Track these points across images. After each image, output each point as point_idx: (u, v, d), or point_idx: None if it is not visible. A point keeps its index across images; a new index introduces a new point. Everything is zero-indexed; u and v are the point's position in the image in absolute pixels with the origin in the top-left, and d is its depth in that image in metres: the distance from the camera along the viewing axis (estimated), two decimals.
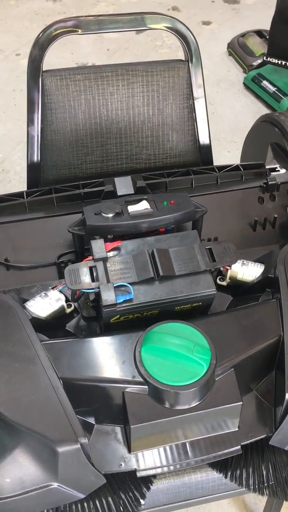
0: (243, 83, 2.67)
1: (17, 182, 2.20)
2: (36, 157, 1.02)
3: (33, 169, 1.03)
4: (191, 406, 0.67)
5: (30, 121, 1.00)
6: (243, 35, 2.87)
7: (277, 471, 0.77)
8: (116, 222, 0.80)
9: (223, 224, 0.93)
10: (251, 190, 0.96)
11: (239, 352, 0.71)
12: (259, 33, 2.83)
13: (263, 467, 0.77)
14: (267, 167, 1.00)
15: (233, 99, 2.52)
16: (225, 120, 2.32)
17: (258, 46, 2.77)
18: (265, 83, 2.46)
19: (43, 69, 1.00)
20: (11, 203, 0.92)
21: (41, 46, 0.97)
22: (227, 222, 0.94)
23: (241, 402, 0.68)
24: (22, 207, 0.92)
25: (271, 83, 2.44)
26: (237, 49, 2.83)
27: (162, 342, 0.70)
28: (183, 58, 1.07)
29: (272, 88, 2.42)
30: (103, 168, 1.05)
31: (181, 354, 0.68)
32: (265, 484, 0.77)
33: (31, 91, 0.99)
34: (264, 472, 0.76)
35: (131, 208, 0.81)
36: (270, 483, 0.77)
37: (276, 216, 0.93)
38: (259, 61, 2.64)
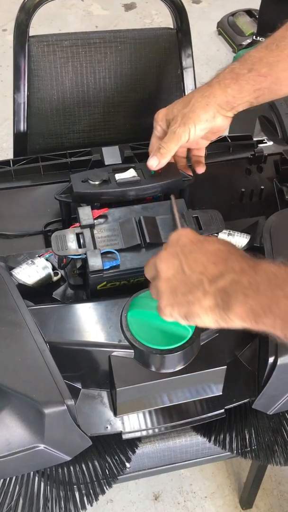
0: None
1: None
2: (22, 126, 1.00)
3: (19, 138, 1.01)
4: (176, 369, 0.68)
5: (16, 88, 0.98)
6: (233, 14, 2.85)
7: (260, 435, 0.78)
8: (103, 190, 0.79)
9: (210, 195, 0.93)
10: (238, 162, 0.96)
11: None
12: (249, 12, 2.81)
13: (246, 431, 0.78)
14: (254, 139, 1.00)
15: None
16: None
17: (248, 26, 2.76)
18: None
19: (30, 35, 0.98)
20: None
21: (27, 10, 0.95)
22: (214, 193, 0.94)
23: (225, 366, 0.69)
24: (8, 175, 0.91)
25: None
26: (227, 28, 2.81)
27: (148, 307, 0.70)
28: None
29: None
30: (91, 137, 1.03)
31: None
32: (248, 448, 0.78)
33: (17, 57, 0.97)
34: (247, 436, 0.78)
35: (118, 176, 0.81)
36: (253, 446, 0.78)
37: (262, 187, 0.93)
38: (249, 40, 2.63)
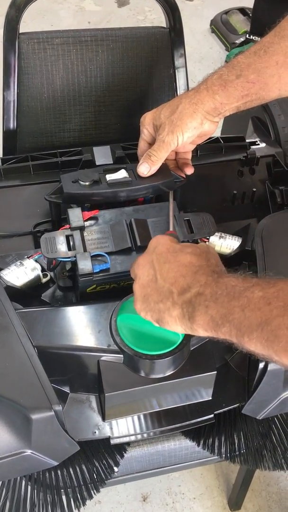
0: (226, 61, 2.65)
1: None
2: (12, 124, 0.99)
3: (9, 136, 1.00)
4: (165, 374, 0.67)
5: (6, 86, 0.96)
6: (226, 12, 2.84)
7: (249, 439, 0.78)
8: (94, 190, 0.78)
9: (202, 196, 0.93)
10: (230, 163, 0.96)
11: None
12: (243, 10, 2.80)
13: (235, 436, 0.78)
14: (247, 140, 0.99)
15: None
16: None
17: (241, 24, 2.75)
18: None
19: (20, 31, 0.96)
20: None
21: (17, 6, 0.93)
22: (206, 195, 0.93)
23: (215, 372, 0.68)
24: None
25: None
26: (220, 26, 2.80)
27: None
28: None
29: None
30: (82, 137, 1.02)
31: None
32: (237, 452, 0.78)
33: (7, 54, 0.96)
34: (236, 441, 0.78)
35: (109, 177, 0.80)
36: (242, 451, 0.78)
37: (254, 190, 0.93)
38: (242, 39, 2.62)
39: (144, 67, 1.02)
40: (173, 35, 1.01)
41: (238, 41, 2.64)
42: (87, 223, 0.75)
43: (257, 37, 2.45)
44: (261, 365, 0.69)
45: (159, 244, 0.62)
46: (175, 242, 0.63)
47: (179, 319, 0.57)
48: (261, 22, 2.42)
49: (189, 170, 0.83)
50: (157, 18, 2.94)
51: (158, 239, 0.63)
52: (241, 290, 0.53)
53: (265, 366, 0.69)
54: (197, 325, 0.55)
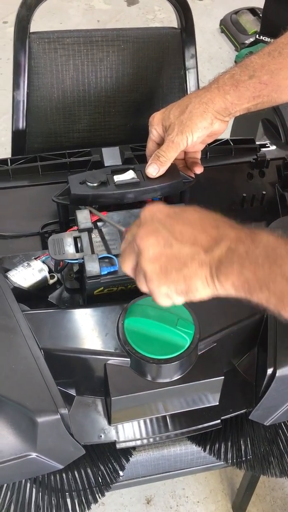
0: (235, 61, 2.64)
1: (2, 154, 2.16)
2: (21, 124, 0.98)
3: (18, 136, 0.99)
4: (172, 379, 0.66)
5: (16, 85, 0.96)
6: (236, 12, 2.83)
7: (255, 445, 0.78)
8: (101, 192, 0.78)
9: (211, 199, 0.92)
10: (240, 166, 0.95)
11: (223, 327, 0.71)
12: (253, 10, 2.79)
13: (241, 441, 0.77)
14: (257, 143, 0.98)
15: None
16: None
17: (251, 24, 2.74)
18: None
19: (31, 31, 0.96)
20: None
21: (28, 6, 0.93)
22: (215, 197, 0.93)
23: (223, 377, 0.68)
24: (5, 174, 0.89)
25: None
26: (230, 26, 2.79)
27: (146, 315, 0.69)
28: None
29: None
30: (91, 137, 1.01)
31: (164, 327, 0.68)
32: (243, 458, 0.78)
33: (17, 53, 0.95)
34: (243, 446, 0.77)
35: (117, 178, 0.79)
36: (248, 457, 0.77)
37: (264, 192, 0.92)
38: (252, 39, 2.61)
39: (155, 68, 1.01)
40: (184, 35, 1.00)
41: (247, 41, 2.62)
42: (94, 225, 0.75)
43: (267, 38, 2.44)
44: (270, 370, 0.68)
45: (156, 212, 0.55)
46: (167, 206, 0.56)
47: (209, 281, 0.51)
48: (271, 23, 2.41)
49: (199, 169, 0.82)
50: (167, 17, 2.93)
51: (150, 208, 0.56)
52: (283, 254, 0.47)
53: (274, 372, 0.68)
54: (229, 285, 0.49)
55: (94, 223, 0.75)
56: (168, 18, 2.90)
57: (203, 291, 0.52)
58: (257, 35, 2.50)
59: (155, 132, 0.78)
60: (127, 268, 0.58)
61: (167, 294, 0.54)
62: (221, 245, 0.50)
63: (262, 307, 0.49)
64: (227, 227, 0.52)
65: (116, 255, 0.72)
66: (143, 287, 0.57)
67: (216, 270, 0.50)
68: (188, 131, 0.72)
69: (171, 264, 0.52)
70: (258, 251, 0.48)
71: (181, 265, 0.51)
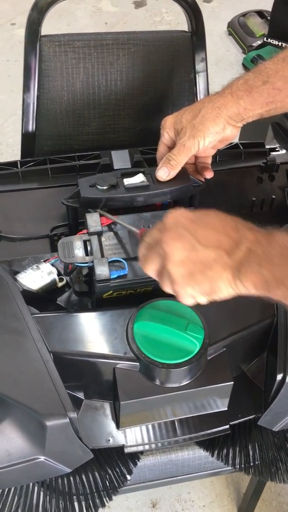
0: (242, 64, 2.63)
1: (9, 155, 2.16)
2: (31, 126, 0.98)
3: (27, 139, 1.00)
4: (181, 384, 0.66)
5: (26, 88, 0.96)
6: (244, 14, 2.82)
7: (263, 451, 0.77)
8: (111, 195, 0.78)
9: (220, 203, 0.91)
10: (250, 170, 0.95)
11: (233, 332, 0.70)
12: (260, 13, 2.78)
13: (250, 447, 0.77)
14: (267, 147, 0.98)
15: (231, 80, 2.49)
16: None
17: (258, 27, 2.73)
18: None
19: (41, 34, 0.96)
20: (4, 172, 0.89)
21: (40, 9, 0.93)
22: (224, 201, 0.92)
23: (232, 382, 0.68)
24: (15, 177, 0.90)
25: None
26: (237, 29, 2.79)
27: (155, 319, 0.69)
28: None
29: None
30: (100, 140, 1.02)
31: (174, 332, 0.67)
32: (251, 464, 0.77)
33: (28, 56, 0.95)
34: (251, 452, 0.77)
35: (127, 181, 0.79)
36: (256, 462, 0.77)
37: (274, 197, 0.92)
38: (259, 42, 2.60)
39: (165, 72, 1.01)
40: (194, 39, 1.00)
41: (255, 44, 2.62)
42: (105, 228, 0.75)
43: (274, 40, 2.43)
44: (279, 376, 0.68)
45: (179, 217, 0.58)
46: (189, 211, 0.59)
47: (232, 282, 0.54)
48: (279, 25, 2.40)
49: (209, 174, 0.82)
50: (174, 19, 2.93)
51: (173, 214, 0.59)
52: None
53: (283, 378, 0.67)
54: (249, 284, 0.53)
55: (108, 226, 0.75)
56: (176, 20, 2.90)
57: (226, 291, 0.55)
58: (265, 38, 2.49)
59: (166, 135, 0.78)
60: (151, 270, 0.60)
61: (192, 295, 0.57)
62: (241, 247, 0.53)
63: (281, 303, 0.52)
64: (246, 230, 0.55)
65: (126, 259, 0.72)
66: (167, 288, 0.59)
67: (238, 271, 0.53)
68: (200, 135, 0.73)
69: (196, 267, 0.55)
70: (274, 251, 0.51)
71: (205, 268, 0.54)
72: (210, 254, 0.54)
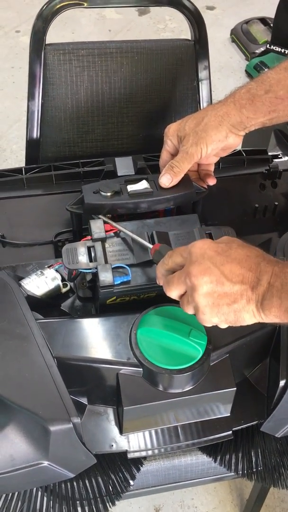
0: (245, 70, 2.65)
1: (13, 162, 2.18)
2: (35, 133, 1.00)
3: (32, 146, 1.01)
4: (184, 390, 0.67)
5: (30, 96, 0.98)
6: (247, 22, 2.84)
7: (266, 457, 0.77)
8: (115, 201, 0.78)
9: (223, 210, 0.92)
10: (252, 176, 0.95)
11: (235, 338, 0.71)
12: (263, 20, 2.80)
13: (252, 453, 0.77)
14: (269, 153, 0.99)
15: (234, 87, 2.50)
16: None
17: (261, 34, 2.75)
18: None
19: (46, 42, 0.97)
20: (9, 178, 0.90)
21: (44, 18, 0.95)
22: (227, 208, 0.93)
23: (235, 388, 0.68)
24: (20, 183, 0.91)
25: None
26: (241, 36, 2.81)
27: (159, 325, 0.69)
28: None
29: None
30: (104, 147, 1.03)
31: (177, 338, 0.68)
32: (254, 470, 0.77)
33: (33, 65, 0.97)
34: (254, 458, 0.77)
35: (131, 187, 0.80)
36: (259, 468, 0.77)
37: (276, 203, 0.92)
38: (262, 49, 2.62)
39: (168, 79, 1.02)
40: (197, 47, 1.01)
41: (258, 51, 2.63)
42: (108, 235, 0.76)
43: (277, 47, 2.44)
44: (282, 382, 0.68)
45: (206, 249, 0.61)
46: (214, 242, 0.62)
47: (256, 313, 0.58)
48: (282, 32, 2.41)
49: (212, 181, 0.83)
50: (178, 26, 2.95)
51: (200, 245, 0.61)
52: None
53: (286, 384, 0.68)
54: (272, 315, 0.57)
55: (115, 233, 0.76)
56: (179, 28, 2.92)
57: (249, 320, 0.59)
58: (268, 45, 2.50)
59: (170, 142, 0.79)
60: (174, 294, 0.64)
61: (216, 323, 0.61)
62: (263, 281, 0.57)
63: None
64: (266, 263, 0.58)
65: (129, 265, 0.73)
66: (188, 311, 0.63)
67: (261, 304, 0.57)
68: (203, 142, 0.74)
69: (222, 300, 0.58)
70: None
71: (231, 301, 0.58)
72: (236, 289, 0.58)
